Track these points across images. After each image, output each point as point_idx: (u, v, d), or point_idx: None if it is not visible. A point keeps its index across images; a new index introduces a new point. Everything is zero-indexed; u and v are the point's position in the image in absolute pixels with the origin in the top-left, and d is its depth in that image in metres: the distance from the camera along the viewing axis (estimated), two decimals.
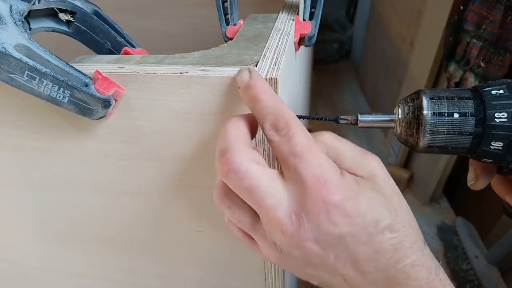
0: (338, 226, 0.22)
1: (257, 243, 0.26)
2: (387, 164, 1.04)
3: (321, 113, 1.29)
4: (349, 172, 0.25)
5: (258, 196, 0.23)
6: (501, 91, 0.24)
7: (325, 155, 0.24)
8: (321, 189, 0.22)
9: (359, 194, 0.23)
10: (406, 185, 0.97)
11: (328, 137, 0.26)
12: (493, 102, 0.24)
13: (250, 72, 0.25)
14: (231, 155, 0.23)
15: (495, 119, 0.23)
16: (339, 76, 1.59)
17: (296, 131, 0.23)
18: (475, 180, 0.32)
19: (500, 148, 0.24)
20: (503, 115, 0.23)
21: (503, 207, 0.35)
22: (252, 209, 0.24)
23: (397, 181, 1.04)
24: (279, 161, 0.24)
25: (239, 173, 0.22)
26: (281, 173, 0.24)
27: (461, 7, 0.67)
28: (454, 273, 0.74)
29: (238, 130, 0.24)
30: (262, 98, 0.24)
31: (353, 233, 0.22)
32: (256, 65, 0.27)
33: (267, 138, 0.24)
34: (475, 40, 0.64)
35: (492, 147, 0.24)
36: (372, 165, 0.25)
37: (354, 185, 0.23)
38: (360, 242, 0.22)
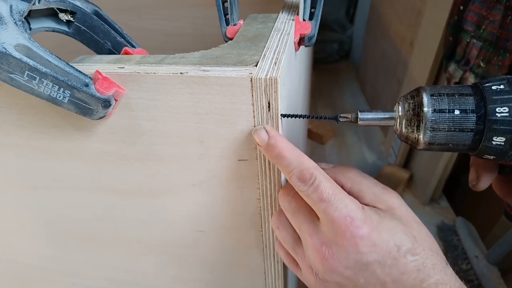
0: (365, 255, 0.25)
1: (298, 266, 0.30)
2: (387, 164, 1.04)
3: (321, 113, 1.29)
4: (370, 205, 0.28)
5: (299, 219, 0.28)
6: (502, 86, 0.24)
7: (348, 195, 0.27)
8: (348, 226, 0.25)
9: (381, 223, 0.26)
10: (406, 185, 0.97)
11: (354, 173, 0.30)
12: (493, 97, 0.24)
13: (267, 131, 0.27)
14: (282, 198, 0.30)
15: (496, 114, 0.23)
16: (339, 76, 1.59)
17: (321, 179, 0.26)
18: (476, 180, 0.31)
19: (502, 143, 0.24)
20: (504, 109, 0.23)
21: (504, 210, 0.35)
22: (296, 234, 0.29)
23: (397, 181, 1.03)
24: (310, 204, 0.27)
25: (288, 210, 0.29)
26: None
27: (461, 7, 0.67)
28: None
29: (286, 187, 0.30)
30: (285, 155, 0.27)
31: (379, 259, 0.25)
32: (256, 65, 0.27)
33: (295, 188, 0.27)
34: (475, 40, 0.64)
35: (494, 142, 0.24)
36: (392, 199, 0.29)
37: (375, 216, 0.27)
38: (386, 265, 0.25)
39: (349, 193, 0.29)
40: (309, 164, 0.27)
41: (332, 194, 0.26)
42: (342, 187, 0.29)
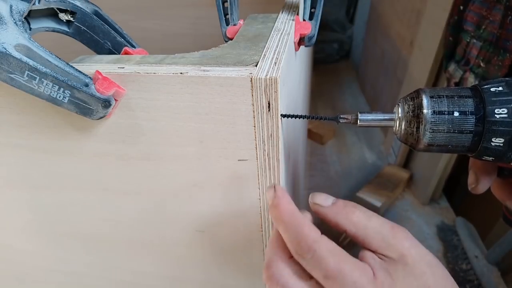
0: None
1: None
2: (387, 164, 1.04)
3: (321, 113, 1.29)
4: (378, 253, 0.26)
5: None
6: (500, 88, 0.24)
7: (356, 264, 0.25)
8: None
9: (394, 286, 0.24)
10: (406, 185, 0.97)
11: (358, 217, 0.27)
12: (492, 99, 0.24)
13: (275, 190, 0.26)
14: (273, 269, 0.26)
15: (495, 115, 0.23)
16: (339, 76, 1.59)
17: (321, 254, 0.24)
18: (475, 183, 0.31)
19: (501, 144, 0.24)
20: (503, 111, 0.23)
21: (502, 214, 0.35)
22: None
23: (397, 181, 1.03)
24: (315, 277, 0.25)
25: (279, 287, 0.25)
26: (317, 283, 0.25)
27: (461, 7, 0.67)
28: (454, 273, 0.74)
29: (281, 241, 0.26)
30: (283, 220, 0.25)
31: None
32: (256, 65, 0.27)
33: (296, 259, 0.25)
34: (475, 40, 0.64)
35: (493, 144, 0.24)
36: (402, 243, 0.26)
37: (388, 280, 0.24)
38: None
39: (354, 238, 0.27)
40: (308, 235, 0.24)
41: (337, 271, 0.24)
42: (345, 231, 0.27)
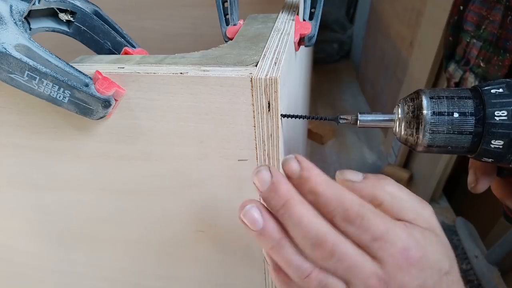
0: (415, 279, 0.24)
1: None
2: (387, 164, 1.04)
3: (321, 113, 1.29)
4: (412, 224, 0.26)
5: (354, 272, 0.24)
6: (501, 90, 0.24)
7: (396, 223, 0.25)
8: (406, 259, 0.24)
9: (427, 247, 0.25)
10: (406, 185, 0.97)
11: (393, 187, 0.27)
12: (492, 101, 0.24)
13: (298, 160, 0.24)
14: (329, 243, 0.24)
15: (495, 117, 0.23)
16: (339, 76, 1.59)
17: (369, 217, 0.24)
18: (475, 183, 0.31)
19: (501, 146, 0.24)
20: (503, 113, 0.23)
21: (503, 212, 0.35)
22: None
23: (397, 181, 1.03)
24: (358, 243, 0.25)
25: (334, 256, 0.24)
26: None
27: (461, 7, 0.67)
28: None
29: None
30: (321, 191, 0.24)
31: (421, 283, 0.25)
32: (256, 65, 0.27)
33: (340, 228, 0.24)
34: (475, 40, 0.64)
35: (492, 146, 0.24)
36: (431, 217, 0.27)
37: (422, 240, 0.25)
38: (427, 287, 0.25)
39: (390, 210, 0.27)
40: (353, 201, 0.24)
41: (384, 231, 0.24)
42: (381, 203, 0.26)
